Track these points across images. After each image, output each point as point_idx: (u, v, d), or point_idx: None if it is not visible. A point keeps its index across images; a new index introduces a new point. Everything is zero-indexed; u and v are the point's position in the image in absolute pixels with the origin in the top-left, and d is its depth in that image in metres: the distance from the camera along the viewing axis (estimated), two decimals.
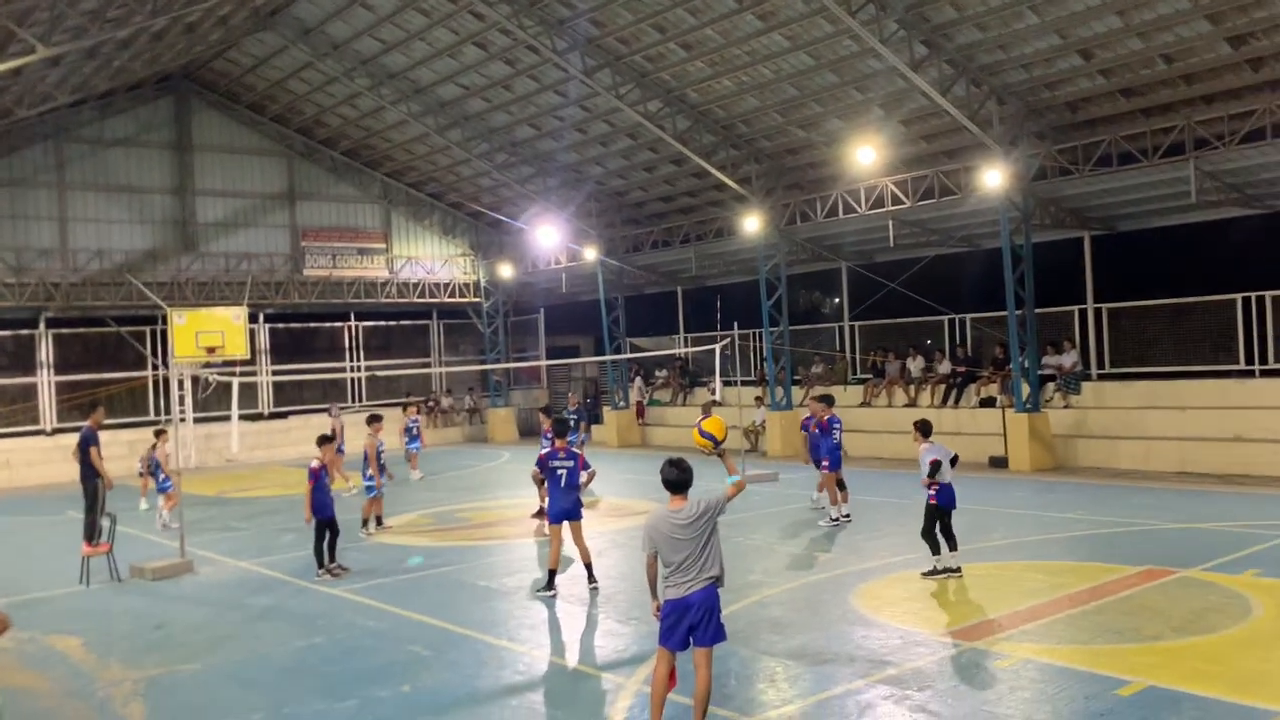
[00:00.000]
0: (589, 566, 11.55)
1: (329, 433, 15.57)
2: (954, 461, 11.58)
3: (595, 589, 11.40)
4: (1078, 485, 18.06)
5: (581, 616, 10.58)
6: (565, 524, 11.48)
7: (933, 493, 11.35)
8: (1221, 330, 20.56)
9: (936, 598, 10.68)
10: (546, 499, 16.59)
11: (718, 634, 6.80)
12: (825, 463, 15.00)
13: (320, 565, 12.81)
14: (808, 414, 16.25)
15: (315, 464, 12.81)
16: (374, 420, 16.85)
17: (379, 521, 16.31)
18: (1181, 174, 18.43)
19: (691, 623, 6.73)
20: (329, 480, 12.95)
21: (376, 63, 25.33)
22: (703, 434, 7.46)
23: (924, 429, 11.81)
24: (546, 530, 15.69)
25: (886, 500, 16.81)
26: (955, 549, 11.45)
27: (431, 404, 33.69)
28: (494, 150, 27.85)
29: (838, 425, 15.25)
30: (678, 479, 6.93)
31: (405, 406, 26.34)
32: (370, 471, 15.93)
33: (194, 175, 29.86)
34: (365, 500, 16.20)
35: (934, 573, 11.31)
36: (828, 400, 15.87)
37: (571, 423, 20.69)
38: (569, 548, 11.79)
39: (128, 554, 13.90)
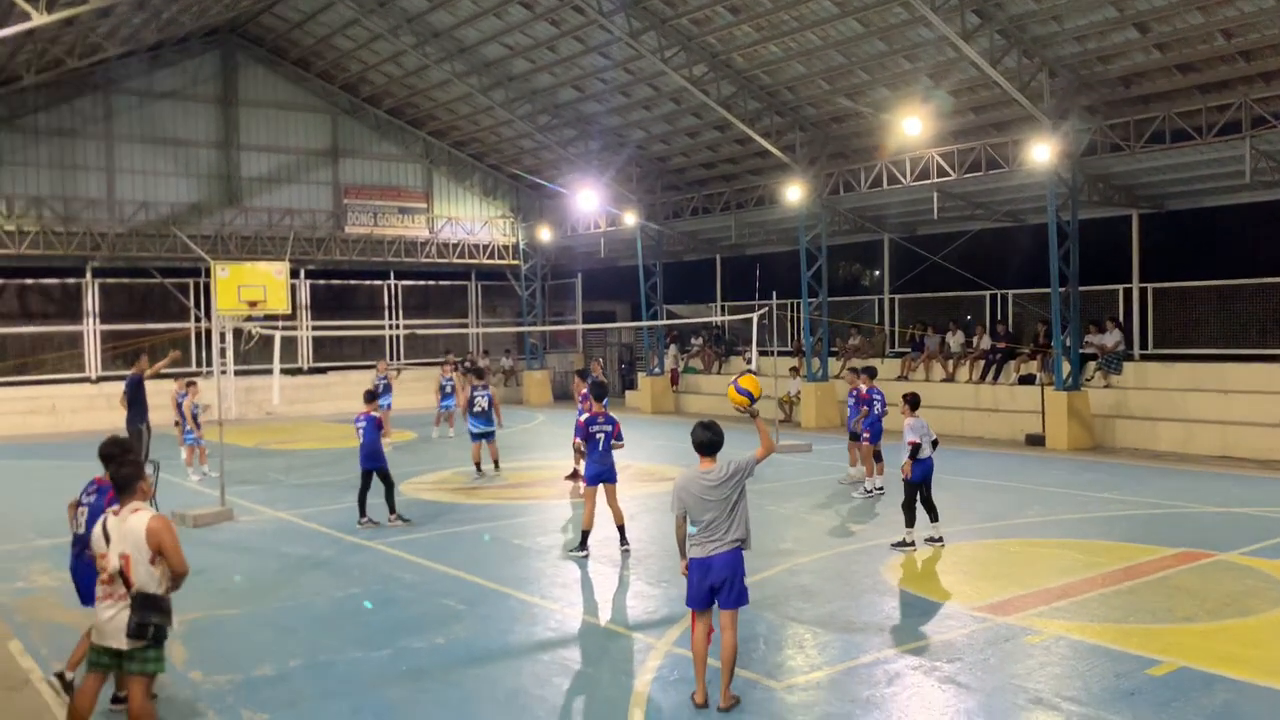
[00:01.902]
0: (621, 529, 11.64)
1: (375, 389, 15.75)
2: (934, 444, 11.71)
3: (627, 551, 11.49)
4: (1115, 465, 17.89)
5: (613, 577, 10.67)
6: (600, 486, 11.57)
7: (909, 464, 11.51)
8: (1269, 314, 20.19)
9: (968, 572, 10.66)
10: (579, 461, 16.84)
11: (741, 597, 6.88)
12: (866, 435, 15.00)
13: (362, 514, 13.12)
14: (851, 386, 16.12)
15: (376, 415, 13.24)
16: (480, 374, 18.70)
17: (495, 465, 17.60)
18: (1236, 153, 18.06)
19: (714, 584, 6.81)
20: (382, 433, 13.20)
21: (422, 20, 25.28)
22: (739, 390, 7.51)
23: (912, 402, 11.94)
24: (581, 492, 15.88)
25: None
26: (936, 519, 11.61)
27: (469, 364, 33.85)
28: (536, 112, 27.78)
29: (879, 397, 15.21)
30: (708, 440, 7.00)
31: (444, 364, 26.60)
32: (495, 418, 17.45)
33: (239, 130, 30.07)
34: (474, 446, 17.50)
35: (902, 544, 11.42)
36: (870, 372, 15.79)
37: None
38: (604, 511, 11.87)
39: (169, 501, 14.16)
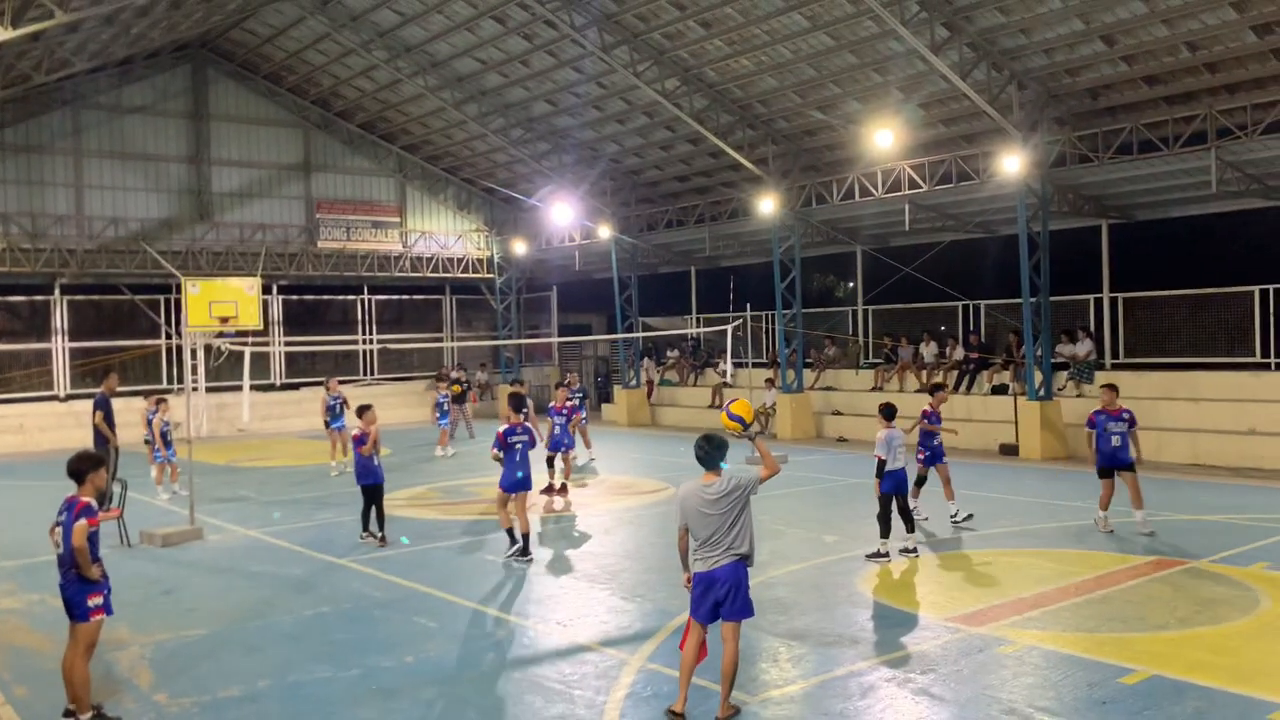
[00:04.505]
0: (525, 538, 11.92)
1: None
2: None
3: (529, 561, 11.79)
4: (1088, 474, 17.83)
5: (587, 593, 10.60)
6: (515, 494, 11.94)
7: (877, 481, 11.69)
8: (1238, 322, 20.43)
9: (942, 583, 10.67)
10: (553, 475, 16.84)
11: (744, 610, 6.91)
12: (922, 455, 13.60)
13: (365, 528, 13.13)
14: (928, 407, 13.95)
15: (356, 432, 13.18)
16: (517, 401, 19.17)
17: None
18: (1203, 163, 18.27)
19: (717, 598, 6.86)
20: (368, 447, 12.96)
21: (394, 35, 25.24)
22: (731, 416, 7.49)
23: (886, 413, 12.03)
24: (556, 507, 15.91)
25: None
26: (911, 530, 11.76)
27: (441, 377, 33.66)
28: (510, 126, 27.76)
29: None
30: (706, 455, 7.02)
31: (438, 380, 26.57)
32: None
33: (210, 144, 29.86)
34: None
35: (876, 555, 11.45)
36: (937, 388, 14.77)
37: (576, 400, 20.79)
38: (593, 526, 11.82)
39: (138, 520, 13.99)
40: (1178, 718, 6.79)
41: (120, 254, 28.10)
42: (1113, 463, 12.75)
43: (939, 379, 22.41)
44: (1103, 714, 6.87)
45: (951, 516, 13.43)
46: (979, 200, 22.63)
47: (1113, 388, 13.17)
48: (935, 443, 13.47)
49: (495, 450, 11.88)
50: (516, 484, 11.85)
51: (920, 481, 13.51)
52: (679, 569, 7.37)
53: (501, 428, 12.03)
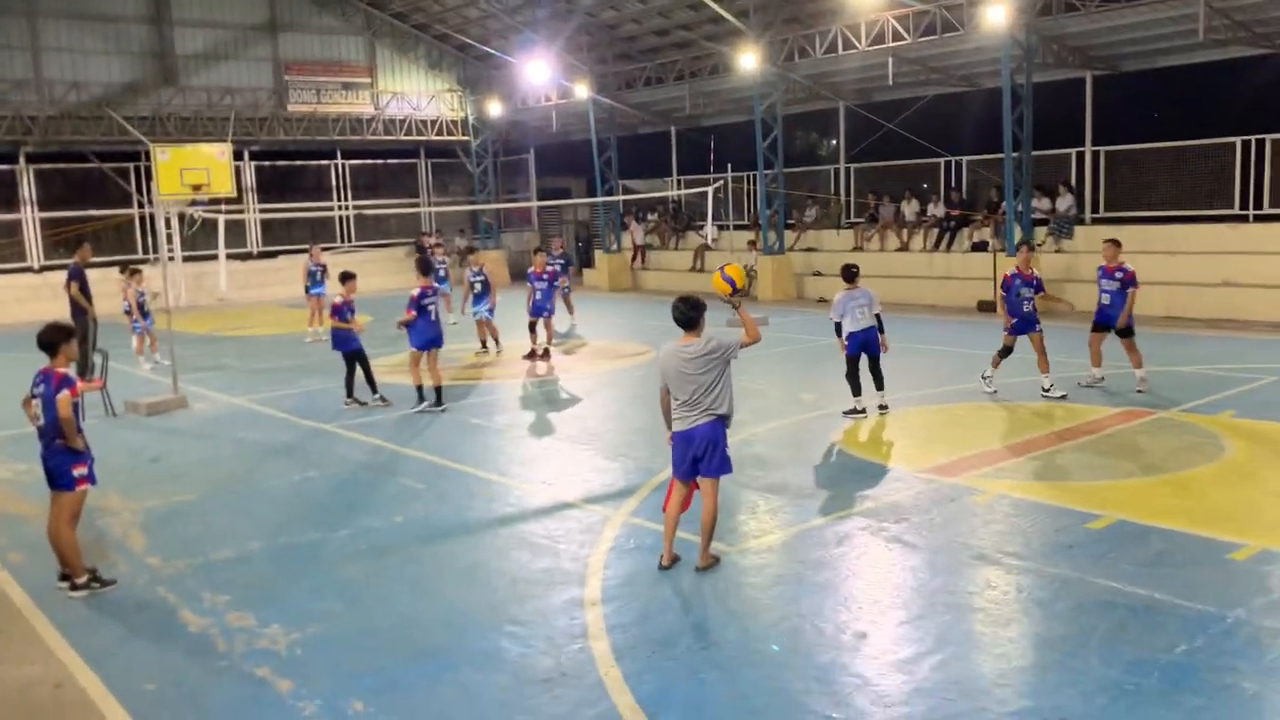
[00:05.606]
0: (438, 391, 12.81)
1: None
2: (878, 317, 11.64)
3: (425, 410, 12.70)
4: (1064, 329, 18.09)
5: (570, 453, 10.79)
6: (430, 351, 12.77)
7: (843, 342, 11.67)
8: (1218, 174, 20.34)
9: (917, 436, 10.90)
10: (535, 340, 16.91)
11: (722, 466, 7.07)
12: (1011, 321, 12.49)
13: (349, 395, 13.27)
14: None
15: (338, 299, 13.19)
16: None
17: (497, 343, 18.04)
18: (1191, 9, 17.86)
19: (695, 454, 7.02)
20: (351, 317, 13.10)
21: None
22: (724, 278, 7.53)
23: (846, 275, 11.85)
24: (539, 371, 16.06)
25: None
26: (880, 388, 11.77)
27: (420, 245, 33.38)
28: None
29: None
30: (683, 317, 7.07)
31: (430, 247, 26.09)
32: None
33: (170, 3, 28.70)
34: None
35: (852, 412, 11.67)
36: (1022, 244, 13.84)
37: (559, 267, 20.63)
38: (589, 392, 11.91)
39: (121, 391, 14.04)
40: (1140, 559, 7.06)
41: (84, 120, 27.33)
42: (1103, 319, 12.52)
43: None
44: (1068, 557, 7.13)
45: (1044, 390, 12.31)
46: (963, 52, 22.14)
47: (1114, 243, 12.58)
48: (1026, 309, 12.27)
49: (410, 311, 12.54)
50: (429, 342, 12.68)
51: (1004, 352, 12.47)
52: (660, 430, 7.49)
53: (414, 292, 12.66)
